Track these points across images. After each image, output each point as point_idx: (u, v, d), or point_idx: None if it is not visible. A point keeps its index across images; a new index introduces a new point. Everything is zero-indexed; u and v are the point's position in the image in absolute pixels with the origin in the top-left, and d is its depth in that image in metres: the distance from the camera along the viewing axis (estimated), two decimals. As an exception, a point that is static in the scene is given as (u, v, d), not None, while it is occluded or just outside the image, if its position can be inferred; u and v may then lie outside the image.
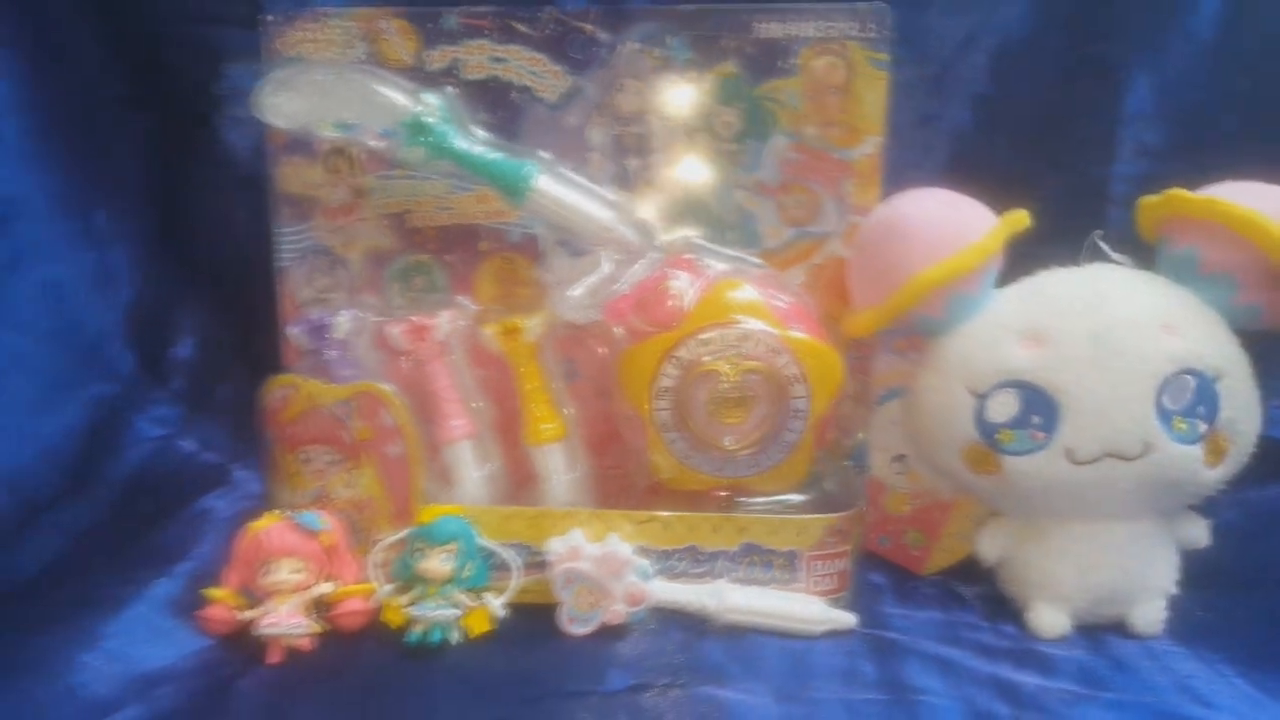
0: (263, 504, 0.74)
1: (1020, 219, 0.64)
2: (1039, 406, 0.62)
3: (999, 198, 0.66)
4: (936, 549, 0.75)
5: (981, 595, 0.71)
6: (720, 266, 0.69)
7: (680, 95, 0.71)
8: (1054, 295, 0.64)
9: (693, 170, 0.72)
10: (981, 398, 0.63)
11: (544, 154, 0.71)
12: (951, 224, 0.64)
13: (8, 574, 0.70)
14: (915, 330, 0.69)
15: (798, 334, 0.66)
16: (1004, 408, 0.63)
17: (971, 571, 0.73)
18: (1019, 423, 0.63)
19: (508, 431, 0.73)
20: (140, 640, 0.63)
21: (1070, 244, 0.68)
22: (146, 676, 0.60)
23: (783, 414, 0.66)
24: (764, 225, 0.73)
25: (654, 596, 0.66)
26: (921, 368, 0.68)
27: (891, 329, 0.69)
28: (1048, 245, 0.66)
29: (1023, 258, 0.66)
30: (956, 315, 0.65)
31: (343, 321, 0.70)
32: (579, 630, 0.65)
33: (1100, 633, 0.66)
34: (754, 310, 0.66)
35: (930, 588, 0.73)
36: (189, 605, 0.66)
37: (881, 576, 0.74)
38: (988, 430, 0.64)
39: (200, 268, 0.92)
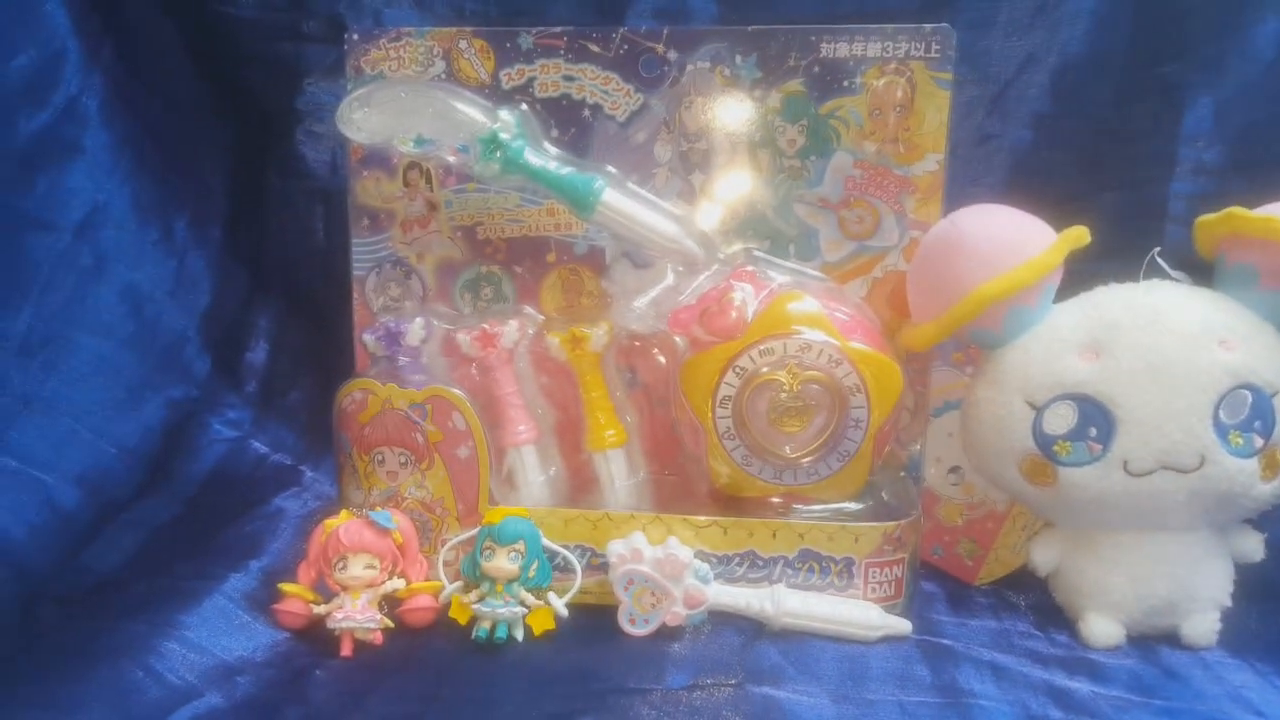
0: (333, 504, 0.76)
1: (1080, 235, 0.65)
2: (1096, 419, 0.63)
3: (1058, 215, 0.66)
4: (990, 559, 0.76)
5: (1033, 605, 0.72)
6: (781, 279, 0.71)
7: (746, 113, 0.73)
8: (1112, 310, 0.65)
9: (756, 186, 0.74)
10: (1039, 410, 0.64)
11: (612, 169, 0.73)
12: (1012, 239, 0.65)
13: (91, 566, 0.73)
14: (974, 344, 0.70)
15: (858, 345, 0.66)
16: (1061, 420, 0.64)
17: (1023, 582, 0.74)
18: (1076, 435, 0.63)
19: (569, 437, 0.74)
20: (219, 631, 0.64)
21: (1128, 260, 0.68)
22: (226, 666, 0.62)
23: (842, 424, 0.67)
24: (825, 239, 0.74)
25: (712, 599, 0.67)
26: (979, 380, 0.69)
27: (950, 342, 0.71)
28: (1105, 262, 0.67)
29: (1080, 274, 0.67)
30: (1015, 329, 0.66)
31: (415, 328, 0.71)
32: (638, 631, 0.66)
33: (1152, 643, 0.66)
34: (815, 321, 0.67)
35: (983, 597, 0.74)
36: (264, 599, 0.68)
37: (935, 585, 0.75)
38: (1045, 442, 0.64)
39: (275, 276, 0.94)
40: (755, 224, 0.74)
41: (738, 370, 0.67)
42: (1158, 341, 0.63)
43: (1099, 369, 0.63)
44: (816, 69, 0.72)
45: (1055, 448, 0.64)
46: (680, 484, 0.75)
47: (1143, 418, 0.62)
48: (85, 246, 0.79)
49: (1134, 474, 0.63)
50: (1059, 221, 0.66)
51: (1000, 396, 0.66)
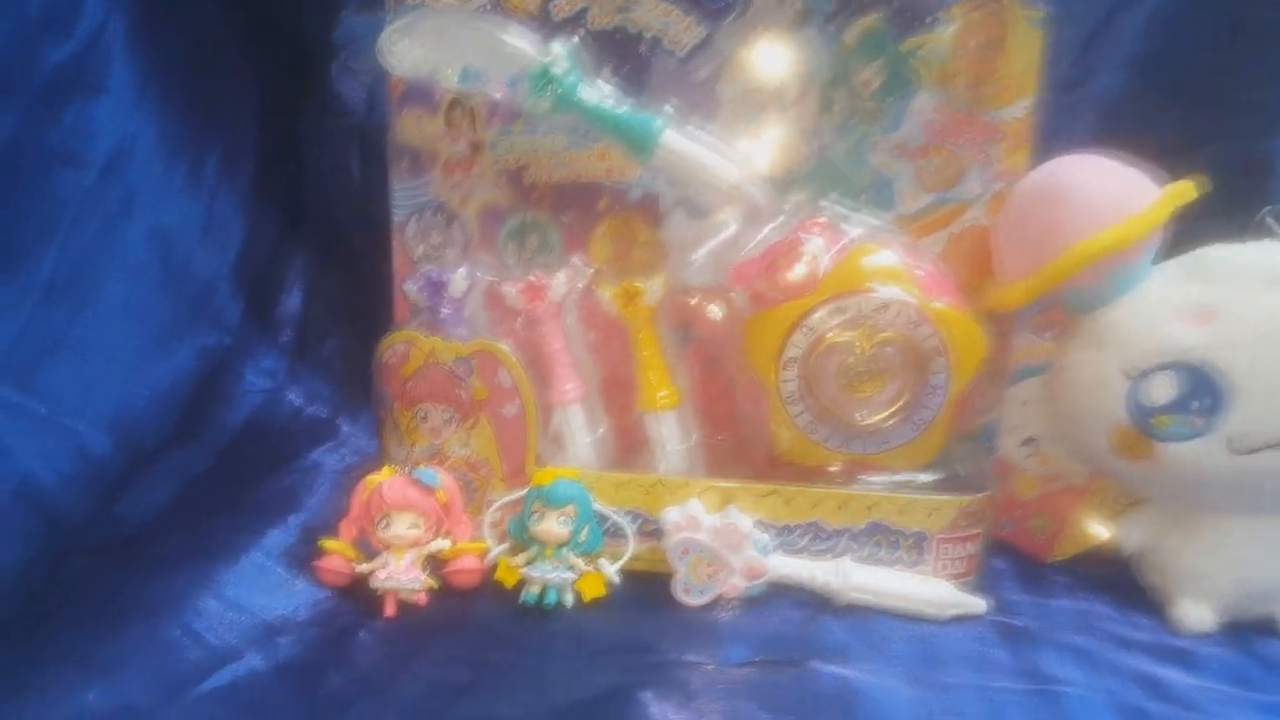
0: (372, 459, 0.75)
1: (1188, 190, 0.61)
2: (1202, 390, 0.60)
3: (1154, 167, 0.63)
4: (1064, 536, 0.73)
5: (1111, 585, 0.69)
6: (856, 231, 0.67)
7: (818, 49, 0.69)
8: (1225, 270, 0.61)
9: (827, 130, 0.70)
10: (1137, 379, 0.61)
11: (671, 108, 0.69)
12: (1115, 192, 0.62)
13: (124, 517, 0.72)
14: (1066, 306, 0.67)
15: (940, 304, 0.64)
16: (1162, 390, 0.61)
17: (1097, 560, 0.72)
18: (1178, 407, 0.60)
19: (618, 397, 0.72)
20: (258, 589, 0.64)
21: (1229, 219, 0.64)
22: (266, 625, 0.61)
23: (920, 390, 0.64)
24: (901, 190, 0.70)
25: (773, 571, 0.65)
26: (1070, 345, 0.66)
27: (1031, 304, 0.67)
28: (1204, 221, 0.63)
29: (1177, 234, 0.64)
30: (1114, 289, 0.63)
31: (459, 279, 0.70)
32: (693, 601, 0.65)
33: (1245, 630, 0.64)
34: (894, 277, 0.64)
35: (1057, 575, 0.72)
36: (304, 556, 0.67)
37: (1004, 562, 0.73)
38: (1142, 414, 0.61)
39: (310, 219, 0.92)
40: (825, 172, 0.70)
41: (806, 330, 0.64)
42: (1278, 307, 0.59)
43: (1209, 335, 0.60)
44: (897, 3, 0.67)
45: (1153, 421, 0.61)
46: (734, 449, 0.72)
47: (1256, 391, 0.59)
48: (112, 185, 0.78)
49: (1239, 452, 0.60)
50: (1155, 175, 0.63)
51: (1094, 363, 0.63)
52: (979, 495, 0.66)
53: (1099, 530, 0.72)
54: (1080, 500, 0.73)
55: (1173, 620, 0.64)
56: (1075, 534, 0.73)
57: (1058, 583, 0.71)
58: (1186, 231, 0.64)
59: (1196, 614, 0.64)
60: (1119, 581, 0.69)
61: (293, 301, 0.92)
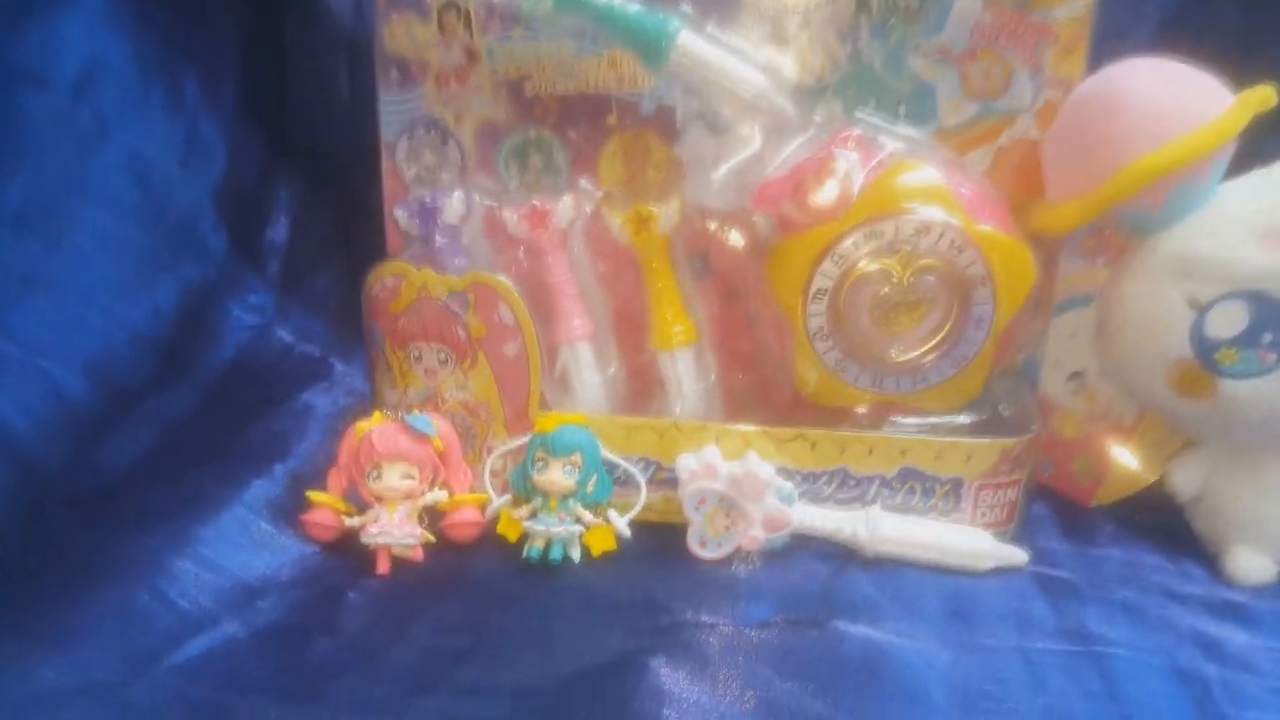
0: (367, 402, 0.73)
1: (1266, 97, 0.57)
2: (1274, 322, 0.56)
3: (1224, 72, 0.58)
4: (1109, 480, 0.70)
5: (1160, 532, 0.66)
6: (893, 146, 0.63)
7: (852, -60, 0.64)
8: None
9: (863, 31, 0.65)
10: (1202, 309, 0.57)
11: (687, 8, 0.64)
12: (1181, 100, 0.57)
13: (97, 468, 0.69)
14: (1123, 227, 0.63)
15: (986, 227, 0.59)
16: (1229, 322, 0.57)
17: (1144, 504, 0.69)
18: (1246, 340, 0.56)
19: (630, 333, 0.70)
20: (239, 546, 0.61)
21: None
22: (246, 586, 0.58)
23: (962, 322, 0.61)
24: (943, 99, 0.65)
25: (796, 522, 0.62)
26: (1125, 272, 0.62)
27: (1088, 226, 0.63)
28: (1277, 134, 0.59)
29: (1249, 148, 0.59)
30: (1177, 210, 0.59)
31: (454, 203, 0.66)
32: (710, 554, 0.62)
33: None
34: (936, 197, 0.59)
35: (1102, 521, 0.69)
36: (290, 509, 0.65)
37: (1044, 507, 0.70)
38: (1206, 348, 0.57)
39: (297, 140, 0.89)
40: (860, 79, 0.65)
41: (837, 258, 0.61)
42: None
43: None
44: (941, -115, 0.62)
45: (1218, 355, 0.57)
46: (756, 390, 0.70)
47: (1337, 322, 0.55)
48: (84, 107, 0.75)
49: None
50: (1225, 82, 0.58)
51: (1153, 292, 0.60)
52: (1023, 437, 0.63)
53: (1146, 473, 0.69)
54: (1128, 441, 0.70)
55: (1228, 571, 0.61)
56: (1122, 477, 0.70)
57: (1102, 530, 0.68)
58: (1260, 144, 0.59)
59: (1255, 564, 0.61)
60: (1168, 528, 0.66)
61: (280, 230, 0.89)
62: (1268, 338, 0.56)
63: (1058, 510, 0.70)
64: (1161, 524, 0.66)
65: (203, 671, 0.51)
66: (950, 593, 0.59)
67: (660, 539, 0.63)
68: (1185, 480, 0.64)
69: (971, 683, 0.51)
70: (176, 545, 0.59)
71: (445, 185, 0.69)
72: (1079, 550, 0.65)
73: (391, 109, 0.69)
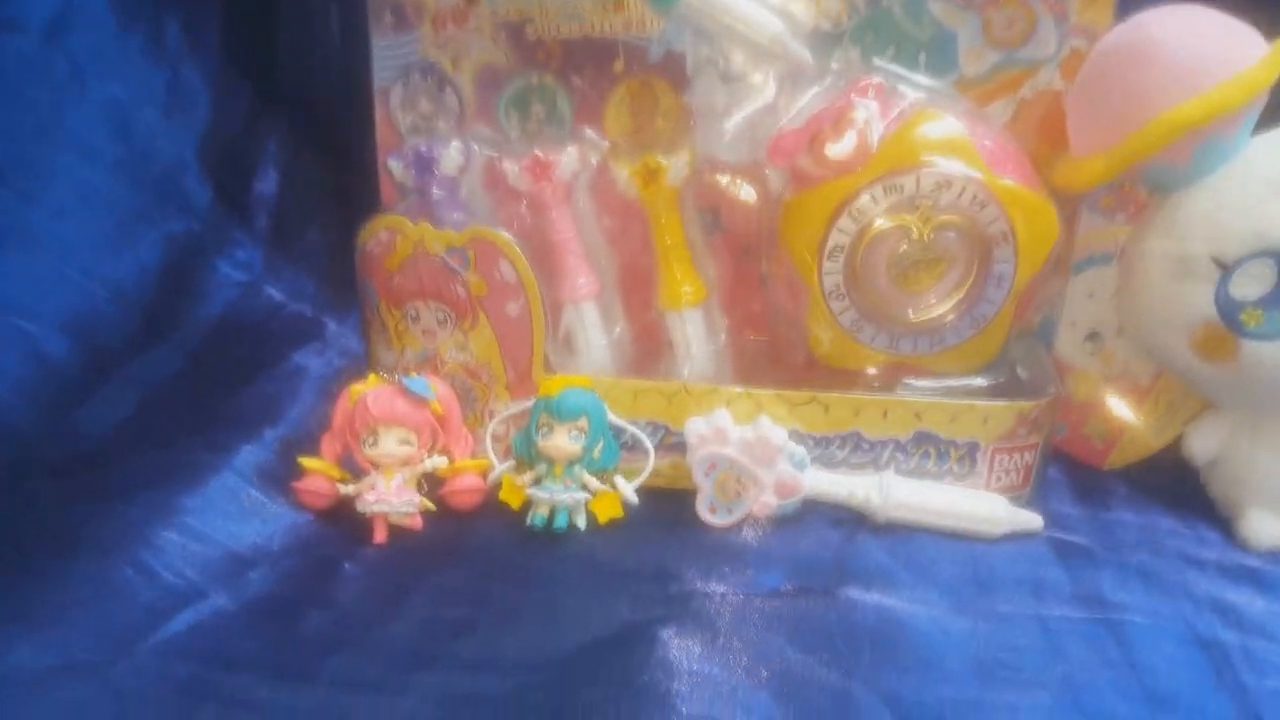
0: (361, 364, 0.71)
1: None
2: None
3: (1256, 22, 0.56)
4: (1124, 442, 0.69)
5: (1175, 495, 0.66)
6: (912, 96, 0.61)
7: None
8: None
9: None
10: (1228, 269, 0.55)
11: None
12: (1212, 49, 0.55)
13: (77, 433, 0.68)
14: (1147, 183, 0.61)
15: (1009, 181, 0.58)
16: (1256, 282, 0.55)
17: (1158, 467, 0.68)
18: (1273, 301, 0.55)
19: (637, 292, 0.68)
20: (227, 515, 0.60)
21: None
22: (235, 557, 0.57)
23: (982, 280, 0.59)
24: (964, 47, 0.63)
25: (808, 487, 0.61)
26: (1149, 230, 0.60)
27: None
28: None
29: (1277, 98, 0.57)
30: (1205, 165, 0.57)
31: (451, 154, 0.64)
32: (720, 521, 0.61)
33: None
34: (958, 150, 0.57)
35: (1116, 484, 0.68)
36: (281, 475, 0.63)
37: (1057, 471, 0.69)
38: (1231, 309, 0.56)
39: (285, 88, 0.86)
40: (878, 24, 0.64)
41: (854, 213, 0.59)
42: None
43: None
44: None
45: (1243, 316, 0.56)
46: (768, 351, 0.69)
47: (1370, 284, 0.53)
48: (58, 53, 0.73)
49: None
50: (1261, 28, 0.56)
51: (1178, 250, 0.58)
52: (1041, 400, 0.61)
53: (1161, 436, 0.68)
54: (1144, 403, 0.69)
55: (1244, 535, 0.61)
56: (1136, 439, 0.69)
57: (1116, 493, 0.67)
58: None
59: (1272, 528, 0.60)
60: (1183, 492, 0.65)
61: (269, 183, 0.87)
62: (1297, 299, 0.54)
63: (1071, 474, 0.69)
64: (1176, 488, 0.65)
65: (189, 647, 0.49)
66: (965, 559, 0.58)
67: (669, 506, 0.62)
68: (1202, 444, 0.63)
69: (988, 651, 0.50)
70: (161, 515, 0.57)
71: (442, 134, 0.67)
72: (1093, 515, 0.64)
73: (385, 54, 0.67)
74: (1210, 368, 0.58)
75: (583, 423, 0.59)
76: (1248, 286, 0.55)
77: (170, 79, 0.80)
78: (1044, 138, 0.63)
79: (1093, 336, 0.69)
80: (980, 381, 0.63)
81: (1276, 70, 0.54)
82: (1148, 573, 0.57)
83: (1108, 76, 0.58)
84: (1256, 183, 0.56)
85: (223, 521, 0.59)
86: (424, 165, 0.64)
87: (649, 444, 0.62)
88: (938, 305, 0.60)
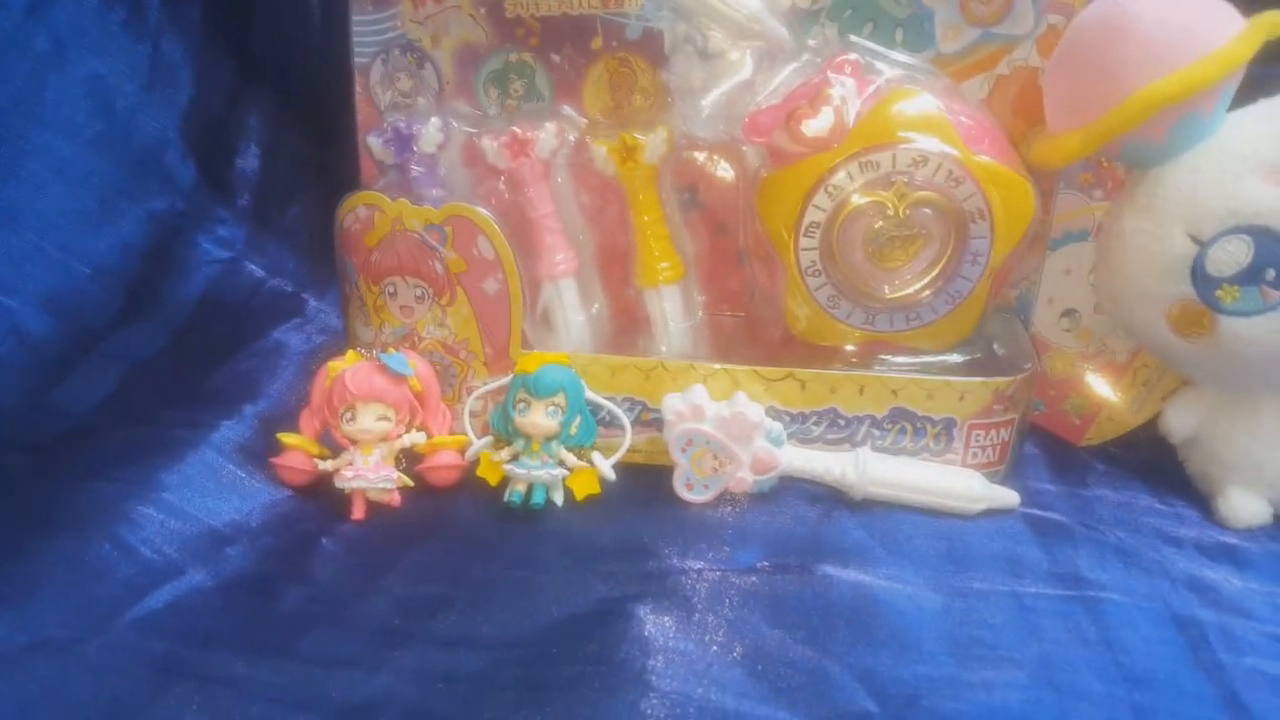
0: (340, 340, 0.71)
1: (1276, 21, 0.54)
2: (1277, 258, 0.54)
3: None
4: (1101, 419, 0.69)
5: (1152, 472, 0.65)
6: (889, 73, 0.60)
7: None
8: None
9: None
10: (1204, 245, 0.55)
11: None
12: (1189, 25, 0.54)
13: (57, 410, 0.67)
14: (1124, 160, 0.61)
15: (984, 158, 0.57)
16: (1232, 258, 0.55)
17: (1135, 443, 0.68)
18: (1248, 277, 0.54)
19: (615, 269, 0.68)
20: (205, 491, 0.59)
21: None
22: (213, 533, 0.56)
23: (958, 257, 0.59)
24: (941, 24, 0.62)
25: (785, 464, 0.61)
26: (1126, 206, 0.59)
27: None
28: None
29: (1257, 78, 0.57)
30: (1182, 142, 0.56)
31: (430, 131, 0.64)
32: (697, 498, 0.61)
33: None
34: (934, 127, 0.57)
35: (1093, 461, 0.68)
36: (260, 452, 0.63)
37: (1035, 447, 0.69)
38: (1207, 285, 0.55)
39: (266, 65, 0.84)
40: (855, 2, 0.63)
41: (831, 190, 0.58)
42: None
43: None
44: None
45: (1219, 292, 0.55)
46: (745, 327, 0.69)
47: (1345, 259, 0.53)
48: (39, 27, 0.71)
49: None
50: (1240, 6, 0.56)
51: (1154, 227, 0.57)
52: (1017, 376, 0.61)
53: (1139, 412, 0.68)
54: (1122, 379, 0.69)
55: (1221, 513, 0.60)
56: (1114, 415, 0.69)
57: (1094, 470, 0.67)
58: (1268, 74, 0.57)
59: (1250, 506, 0.60)
60: (1160, 469, 0.65)
61: (250, 159, 0.85)
62: (1270, 274, 0.54)
63: (1049, 450, 0.68)
64: (1153, 465, 0.65)
65: (166, 624, 0.48)
66: (941, 535, 0.57)
67: (646, 482, 0.61)
68: (1180, 421, 0.63)
69: (964, 629, 0.49)
70: (140, 491, 0.56)
71: (421, 111, 0.66)
72: (1071, 491, 0.63)
73: (365, 30, 0.66)
74: (1187, 344, 0.58)
75: (560, 399, 0.59)
76: (1224, 263, 0.55)
77: (152, 54, 0.77)
78: (1020, 114, 0.63)
79: (1070, 313, 0.68)
80: (956, 358, 0.63)
81: (1252, 47, 0.54)
82: (1125, 550, 0.56)
83: (1084, 53, 0.58)
84: (1232, 159, 0.55)
85: (201, 498, 0.58)
86: (403, 142, 0.63)
87: (626, 420, 0.62)
88: (913, 282, 0.60)
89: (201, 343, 0.75)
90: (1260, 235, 0.53)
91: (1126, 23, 0.55)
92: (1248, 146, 0.55)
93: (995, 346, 0.65)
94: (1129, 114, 0.54)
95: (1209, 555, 0.56)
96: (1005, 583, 0.53)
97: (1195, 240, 0.55)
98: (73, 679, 0.44)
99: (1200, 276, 0.55)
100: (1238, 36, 0.54)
